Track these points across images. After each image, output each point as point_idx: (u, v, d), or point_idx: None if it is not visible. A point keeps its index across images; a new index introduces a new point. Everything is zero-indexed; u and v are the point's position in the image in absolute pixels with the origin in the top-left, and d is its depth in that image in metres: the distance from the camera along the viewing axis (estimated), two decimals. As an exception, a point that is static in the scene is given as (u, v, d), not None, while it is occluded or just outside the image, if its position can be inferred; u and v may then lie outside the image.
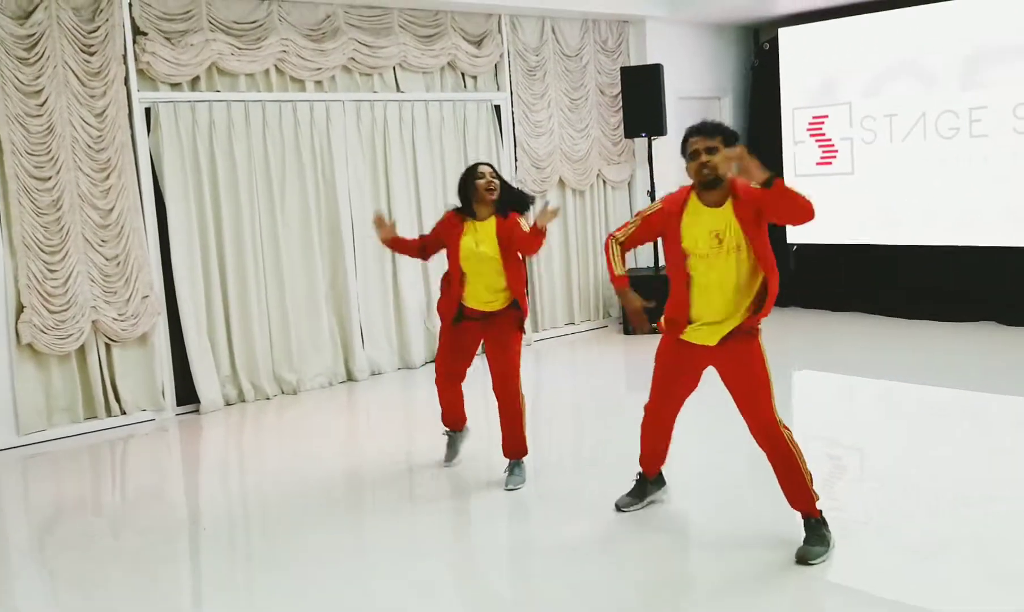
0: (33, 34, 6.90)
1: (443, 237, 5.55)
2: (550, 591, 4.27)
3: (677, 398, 4.77)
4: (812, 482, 4.43)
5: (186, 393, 7.75)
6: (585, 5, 9.72)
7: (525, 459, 5.66)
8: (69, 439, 7.17)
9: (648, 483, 5.08)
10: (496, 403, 5.60)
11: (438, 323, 8.91)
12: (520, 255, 5.45)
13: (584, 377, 8.83)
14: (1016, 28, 8.88)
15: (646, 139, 10.17)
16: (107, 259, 7.25)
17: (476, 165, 5.47)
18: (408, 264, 8.84)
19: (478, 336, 5.59)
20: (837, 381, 7.92)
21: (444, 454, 6.04)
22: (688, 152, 4.38)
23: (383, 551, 4.83)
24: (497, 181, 5.40)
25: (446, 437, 6.04)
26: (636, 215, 4.77)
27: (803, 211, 4.13)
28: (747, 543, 4.58)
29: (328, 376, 8.41)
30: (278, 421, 7.55)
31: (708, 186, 4.34)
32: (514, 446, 5.60)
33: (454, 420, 5.96)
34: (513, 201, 5.46)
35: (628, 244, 4.69)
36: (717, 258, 4.33)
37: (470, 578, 4.48)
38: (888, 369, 7.97)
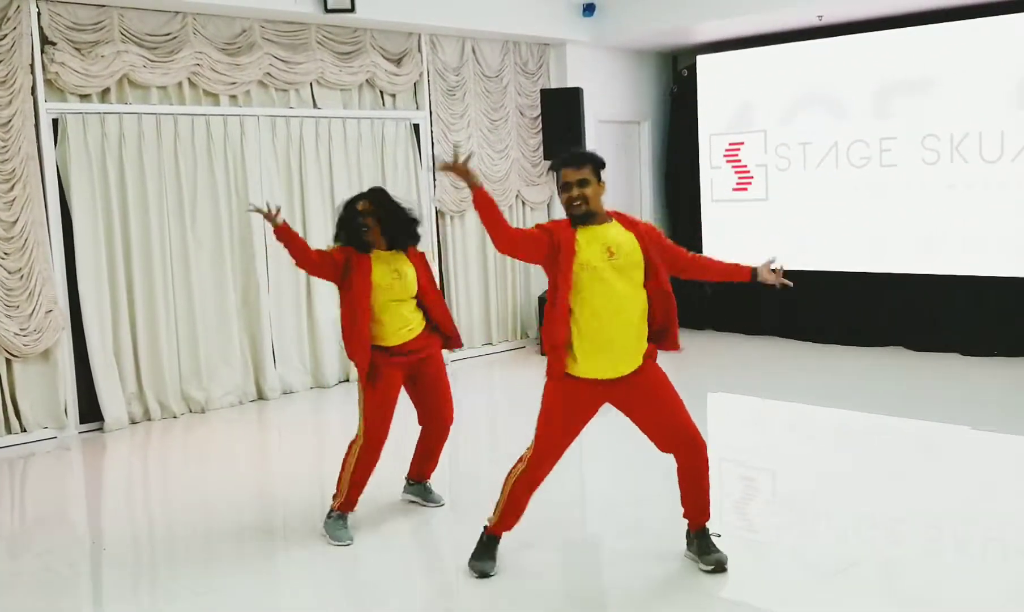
0: (-65, 39, 6.71)
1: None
2: (473, 603, 4.24)
3: (559, 451, 4.39)
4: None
5: (90, 410, 7.55)
6: (506, 26, 9.75)
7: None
8: (-34, 458, 6.95)
9: (495, 540, 4.60)
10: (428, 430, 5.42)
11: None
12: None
13: (503, 396, 8.82)
14: (924, 62, 9.15)
15: (565, 161, 10.20)
16: (9, 272, 7.04)
17: (356, 199, 5.13)
18: (323, 283, 8.70)
19: (409, 374, 5.23)
20: (749, 403, 8.02)
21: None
22: (559, 183, 4.24)
23: (292, 576, 4.75)
24: (374, 217, 5.00)
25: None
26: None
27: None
28: (647, 560, 4.59)
29: (238, 394, 8.26)
30: (185, 440, 7.39)
31: (583, 220, 4.20)
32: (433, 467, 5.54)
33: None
34: (402, 232, 5.10)
35: (516, 231, 4.26)
36: (613, 273, 4.15)
37: (377, 604, 4.41)
38: (799, 392, 8.11)
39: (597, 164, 4.25)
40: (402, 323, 5.05)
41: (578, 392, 4.26)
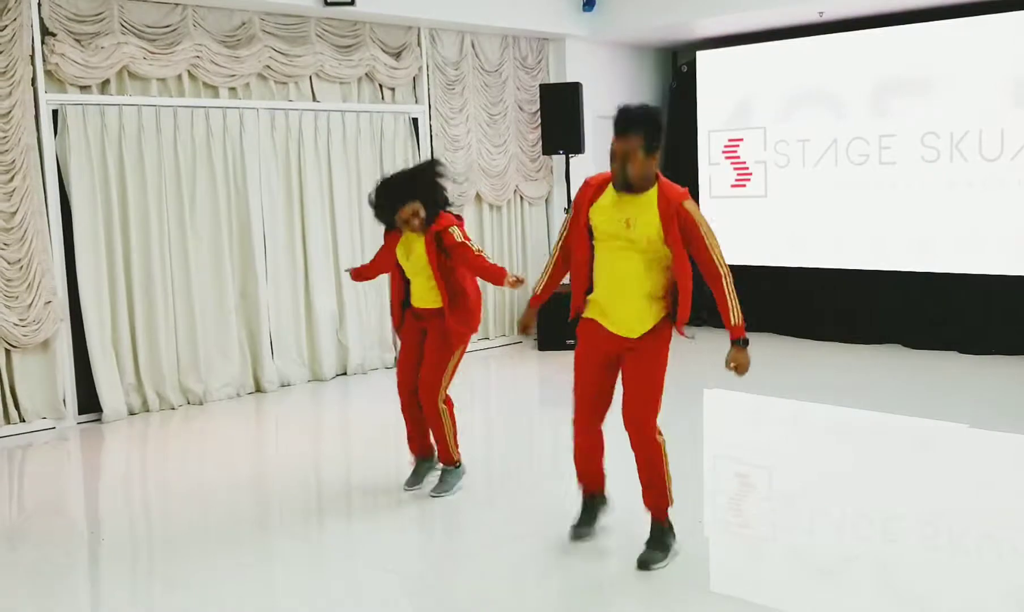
0: (-65, 30, 6.71)
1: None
2: (466, 598, 4.25)
3: (601, 393, 4.49)
4: (671, 489, 4.46)
5: (88, 401, 7.55)
6: (505, 21, 9.74)
7: (456, 468, 5.60)
8: (-35, 447, 6.96)
9: (596, 500, 4.82)
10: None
11: (350, 335, 8.93)
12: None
13: (498, 392, 8.83)
14: (924, 59, 9.15)
15: (564, 156, 10.24)
16: (9, 263, 7.04)
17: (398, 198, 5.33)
18: (321, 276, 8.76)
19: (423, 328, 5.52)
20: (746, 400, 8.02)
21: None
22: (610, 149, 4.25)
23: (288, 568, 4.76)
24: (417, 219, 5.27)
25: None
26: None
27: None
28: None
29: (236, 387, 8.27)
30: (183, 432, 7.40)
31: (621, 187, 4.24)
32: (439, 450, 5.60)
33: (417, 445, 5.75)
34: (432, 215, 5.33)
35: (560, 250, 4.55)
36: (623, 244, 4.23)
37: (376, 593, 4.43)
38: (796, 389, 8.12)
39: (649, 135, 4.15)
40: (417, 293, 5.43)
41: (592, 331, 4.41)
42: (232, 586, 4.48)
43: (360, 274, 5.86)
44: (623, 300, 4.29)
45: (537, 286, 4.71)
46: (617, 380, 4.49)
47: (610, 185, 4.31)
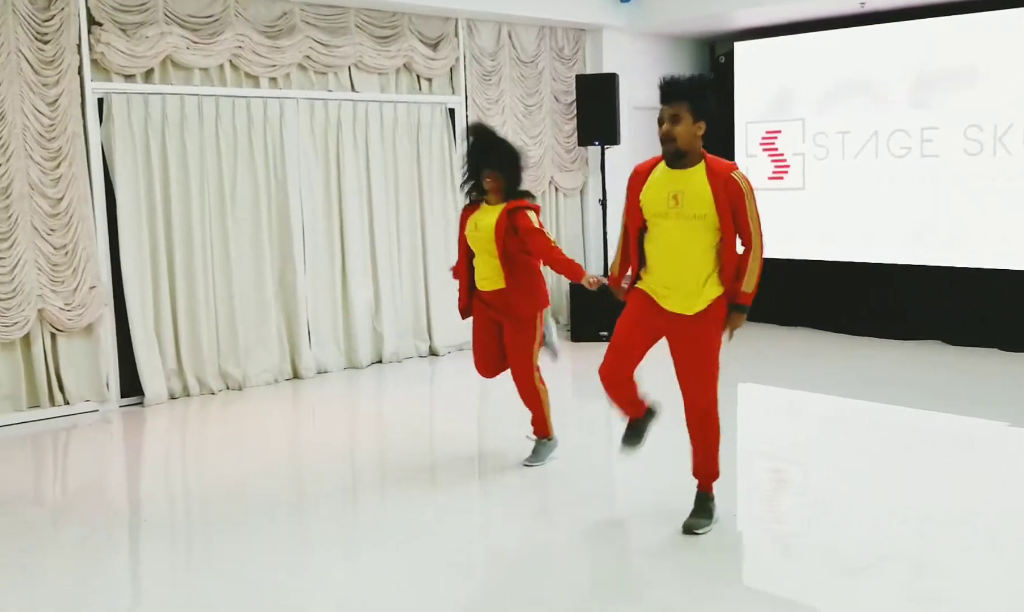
0: (-14, 20, 6.85)
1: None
2: (498, 583, 4.32)
3: (628, 355, 4.57)
4: (718, 462, 4.70)
5: (130, 385, 7.70)
6: (542, 12, 9.78)
7: (549, 441, 5.83)
8: (12, 428, 7.10)
9: (640, 421, 4.92)
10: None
11: (386, 324, 9.02)
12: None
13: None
14: (966, 51, 9.03)
15: (599, 148, 10.25)
16: (55, 248, 7.20)
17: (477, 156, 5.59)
18: (358, 265, 8.85)
19: (494, 317, 5.66)
20: (781, 395, 8.01)
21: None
22: (658, 116, 4.39)
23: (324, 551, 4.84)
24: (498, 184, 5.49)
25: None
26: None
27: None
28: (672, 548, 4.65)
29: (274, 373, 8.39)
30: (222, 416, 7.52)
31: (671, 158, 4.35)
32: (534, 424, 5.79)
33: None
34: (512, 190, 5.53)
35: (628, 233, 4.62)
36: (673, 221, 4.33)
37: (415, 576, 4.50)
38: (832, 385, 8.05)
39: (696, 100, 4.26)
40: (481, 272, 5.55)
41: (644, 302, 4.52)
42: (268, 567, 4.57)
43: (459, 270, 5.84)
44: (676, 277, 4.40)
45: (613, 268, 4.83)
46: (650, 348, 4.63)
47: (658, 166, 4.43)
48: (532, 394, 5.68)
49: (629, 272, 4.68)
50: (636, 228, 4.51)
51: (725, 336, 4.51)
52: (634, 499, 5.45)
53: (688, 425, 4.68)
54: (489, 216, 5.49)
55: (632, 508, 5.36)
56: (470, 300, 5.73)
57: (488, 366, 5.82)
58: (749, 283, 4.39)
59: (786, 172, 10.39)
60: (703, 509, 4.70)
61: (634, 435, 4.90)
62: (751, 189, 4.36)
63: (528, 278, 5.55)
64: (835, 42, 9.96)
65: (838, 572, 4.38)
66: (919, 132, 9.39)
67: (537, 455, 5.79)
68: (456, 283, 5.81)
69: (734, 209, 4.29)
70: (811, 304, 10.39)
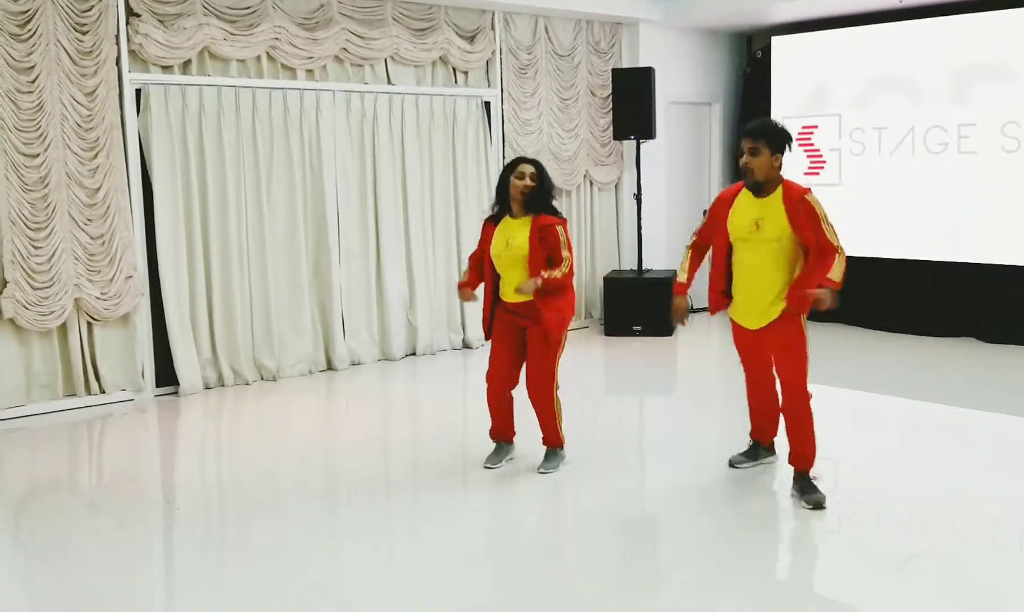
0: (27, 11, 6.90)
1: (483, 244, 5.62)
2: (527, 575, 4.32)
3: (760, 374, 5.33)
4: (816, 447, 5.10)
5: (166, 375, 7.76)
6: (579, 5, 9.75)
7: (561, 450, 5.78)
8: (48, 416, 7.18)
9: (761, 448, 5.66)
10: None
11: (420, 316, 9.04)
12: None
13: (564, 376, 8.86)
14: (1005, 47, 8.95)
15: (635, 142, 10.21)
16: (92, 238, 7.26)
17: (520, 161, 5.51)
18: (393, 257, 8.86)
19: (518, 330, 5.59)
20: (815, 392, 7.94)
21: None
22: (738, 149, 4.93)
23: (355, 541, 4.87)
24: (535, 184, 5.37)
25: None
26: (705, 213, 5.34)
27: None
28: (707, 544, 4.64)
29: (308, 364, 8.43)
30: (257, 407, 7.56)
31: (753, 188, 4.90)
32: (546, 435, 5.74)
33: (499, 429, 5.87)
34: (543, 202, 5.42)
35: (699, 239, 5.29)
36: (754, 244, 4.86)
37: (446, 565, 4.51)
38: (867, 381, 8.01)
39: (773, 137, 4.82)
40: (510, 286, 5.46)
41: (738, 331, 5.23)
42: (300, 557, 4.59)
43: (467, 285, 5.73)
44: (752, 295, 4.98)
45: (680, 276, 5.35)
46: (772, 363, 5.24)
47: (741, 193, 5.00)
48: (548, 405, 5.58)
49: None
50: (723, 246, 5.08)
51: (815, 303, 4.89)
52: (662, 494, 5.44)
53: (784, 414, 5.13)
54: (520, 232, 5.39)
55: (660, 503, 5.37)
56: (492, 322, 5.64)
57: (505, 378, 5.65)
58: (836, 273, 4.85)
59: (822, 167, 10.31)
60: (810, 485, 5.07)
61: (748, 456, 5.67)
62: (823, 211, 4.89)
63: (559, 290, 5.42)
64: (872, 37, 9.89)
65: (873, 569, 4.37)
66: (956, 129, 9.32)
67: (551, 462, 5.69)
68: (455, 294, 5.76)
69: (809, 224, 4.80)
70: (845, 301, 10.20)
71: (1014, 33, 8.89)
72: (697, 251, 5.36)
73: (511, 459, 5.88)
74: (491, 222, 5.57)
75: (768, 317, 4.97)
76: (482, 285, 5.67)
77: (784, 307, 4.92)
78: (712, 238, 5.20)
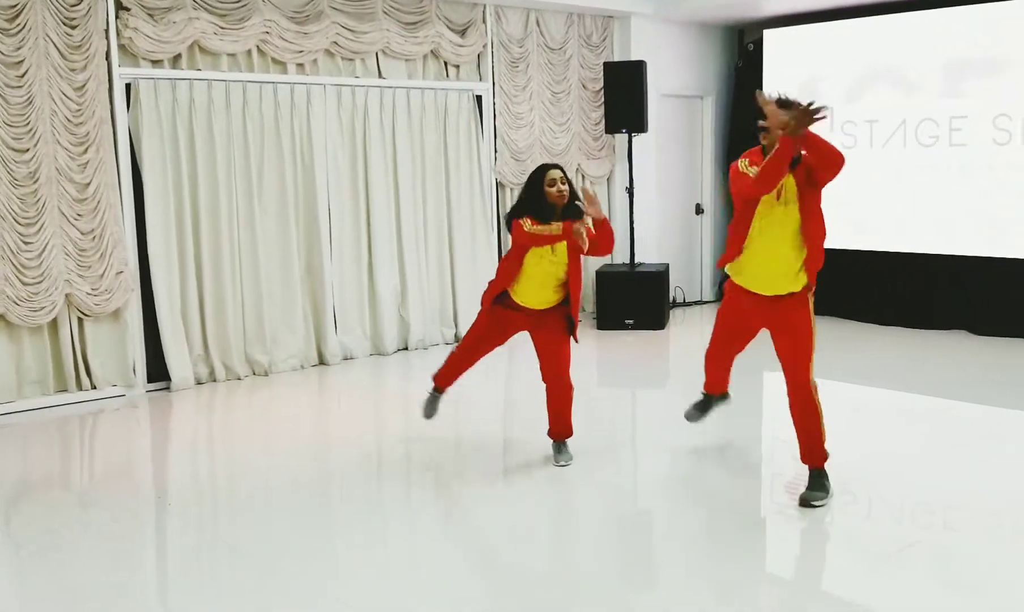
0: (16, 5, 6.86)
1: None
2: (521, 570, 4.33)
3: (732, 347, 5.40)
4: (825, 440, 4.98)
5: (157, 370, 7.74)
6: (571, -1, 9.75)
7: (568, 441, 5.82)
8: (39, 412, 7.16)
9: (713, 399, 5.77)
10: (546, 390, 5.71)
11: (412, 311, 9.03)
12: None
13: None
14: (996, 40, 8.96)
15: (627, 135, 10.20)
16: (82, 233, 7.23)
17: (546, 167, 5.47)
18: (384, 251, 8.85)
19: (520, 328, 5.66)
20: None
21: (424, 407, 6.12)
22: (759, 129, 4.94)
23: (348, 536, 4.86)
24: (567, 187, 5.40)
25: (429, 395, 6.10)
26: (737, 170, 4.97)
27: (835, 157, 4.73)
28: (701, 536, 4.64)
29: (300, 359, 8.41)
30: (249, 402, 7.55)
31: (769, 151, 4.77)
32: (560, 428, 5.77)
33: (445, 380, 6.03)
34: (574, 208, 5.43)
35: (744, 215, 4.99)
36: (774, 211, 4.81)
37: (435, 562, 4.52)
38: (859, 374, 8.03)
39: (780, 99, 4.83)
40: (534, 291, 5.51)
41: (739, 298, 5.12)
42: (294, 553, 4.58)
43: (494, 293, 5.66)
44: (773, 262, 4.88)
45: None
46: (751, 340, 5.32)
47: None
48: (568, 395, 5.67)
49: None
50: (749, 214, 4.91)
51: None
52: (655, 488, 5.45)
53: (791, 408, 5.03)
54: (559, 244, 5.40)
55: (653, 497, 5.37)
56: (493, 309, 5.65)
57: (469, 366, 5.86)
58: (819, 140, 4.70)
59: (814, 161, 10.30)
60: (818, 484, 4.96)
61: (704, 408, 5.77)
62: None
63: (580, 287, 5.54)
64: (864, 30, 9.89)
65: (865, 560, 4.38)
66: (948, 121, 9.34)
67: (566, 453, 5.73)
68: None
69: (809, 171, 4.75)
70: (838, 293, 10.33)
71: (1006, 25, 8.90)
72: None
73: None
74: (529, 219, 5.35)
75: (788, 287, 4.91)
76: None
77: (805, 283, 4.91)
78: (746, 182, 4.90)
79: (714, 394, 5.75)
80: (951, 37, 9.25)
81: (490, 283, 5.70)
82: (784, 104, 4.76)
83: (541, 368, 5.67)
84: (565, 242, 5.34)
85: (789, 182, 4.78)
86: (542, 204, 5.37)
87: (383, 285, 8.88)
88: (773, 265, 4.88)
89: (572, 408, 5.72)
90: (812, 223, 4.82)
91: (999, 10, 8.95)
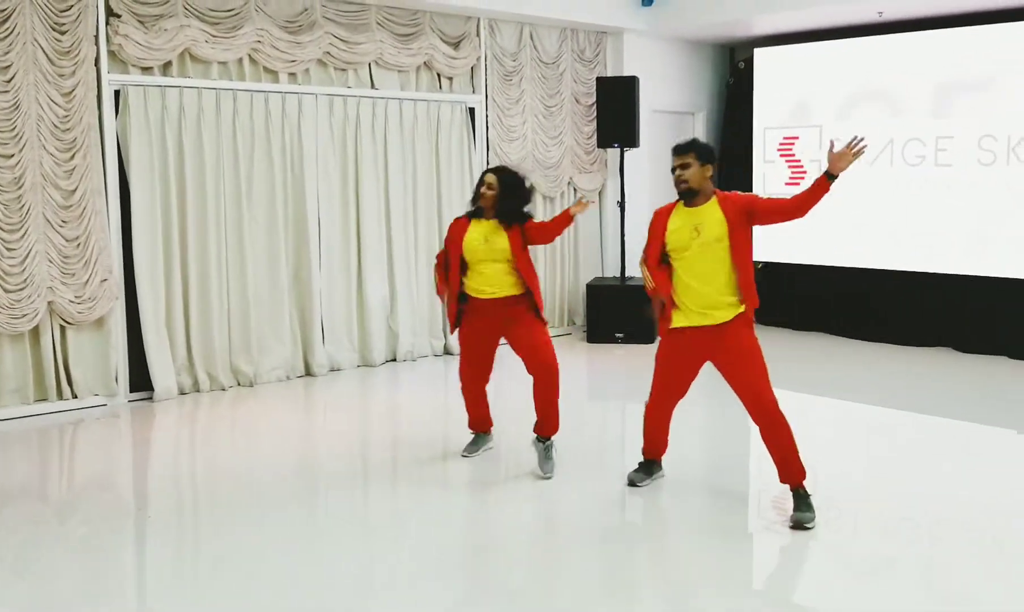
0: (4, 9, 6.81)
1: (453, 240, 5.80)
2: (504, 579, 4.29)
3: (674, 392, 5.28)
4: (799, 454, 4.97)
5: (140, 380, 7.67)
6: (565, 13, 9.73)
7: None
8: (18, 420, 7.08)
9: (655, 465, 5.58)
10: (533, 382, 5.75)
11: (401, 322, 8.99)
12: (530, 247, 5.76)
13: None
14: (983, 62, 9.03)
15: (619, 150, 10.19)
16: (67, 240, 7.17)
17: (487, 170, 5.83)
18: (374, 262, 8.81)
19: (495, 327, 5.76)
20: (792, 399, 7.90)
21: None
22: (671, 168, 5.08)
23: (333, 547, 4.80)
24: (493, 191, 5.65)
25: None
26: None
27: (803, 212, 4.99)
28: (686, 552, 4.61)
29: (286, 370, 8.35)
30: (232, 413, 7.48)
31: (685, 196, 5.04)
32: (549, 422, 5.79)
33: (478, 420, 6.14)
34: (513, 210, 5.69)
35: (648, 258, 5.20)
36: (698, 250, 4.92)
37: (419, 572, 4.46)
38: (843, 390, 8.07)
39: (700, 151, 5.04)
40: (488, 283, 5.67)
41: (677, 339, 5.10)
42: (276, 564, 4.54)
43: (444, 284, 5.91)
44: (705, 295, 4.94)
45: (647, 283, 5.22)
46: (694, 380, 5.23)
47: (675, 208, 5.10)
48: (556, 377, 5.72)
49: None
50: (666, 270, 5.12)
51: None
52: (642, 502, 5.40)
53: (760, 433, 5.01)
54: (497, 234, 5.65)
55: (640, 511, 5.34)
56: (459, 317, 5.83)
57: (481, 376, 5.94)
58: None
59: (803, 178, 10.34)
60: (804, 504, 4.91)
61: (646, 472, 5.56)
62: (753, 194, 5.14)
63: (535, 277, 5.74)
64: (853, 50, 9.96)
65: (850, 575, 4.40)
66: (934, 141, 9.42)
67: (549, 461, 5.74)
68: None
69: (753, 212, 4.94)
70: (824, 309, 10.44)
71: (992, 48, 8.99)
72: (653, 263, 5.23)
73: (489, 449, 6.15)
74: (462, 219, 5.81)
75: (725, 315, 4.95)
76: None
77: (742, 311, 4.95)
78: (659, 253, 5.21)
79: (655, 460, 5.58)
80: (938, 59, 9.31)
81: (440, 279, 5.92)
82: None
83: (525, 362, 5.72)
84: (506, 239, 5.62)
85: (713, 222, 4.92)
86: (479, 205, 5.74)
87: (372, 295, 8.84)
88: (707, 297, 4.95)
89: (559, 398, 5.74)
90: (742, 260, 4.94)
91: (986, 33, 9.03)
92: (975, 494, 5.44)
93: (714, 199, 5.02)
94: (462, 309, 5.80)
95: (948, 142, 9.29)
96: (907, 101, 9.55)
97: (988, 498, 5.38)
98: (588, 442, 6.63)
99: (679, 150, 5.08)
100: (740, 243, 4.92)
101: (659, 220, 5.17)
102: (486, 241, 5.64)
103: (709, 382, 5.36)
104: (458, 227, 5.78)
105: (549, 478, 5.64)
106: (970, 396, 7.80)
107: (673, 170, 5.06)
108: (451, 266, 5.76)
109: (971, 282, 9.27)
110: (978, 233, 9.14)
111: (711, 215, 4.95)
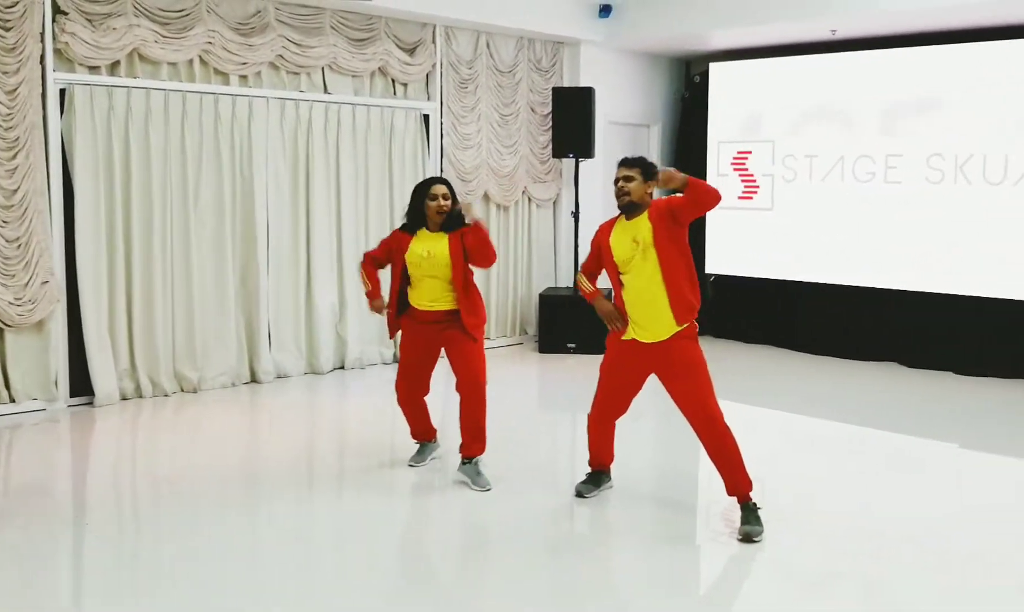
0: (-54, 3, 6.68)
1: (392, 252, 5.78)
2: (455, 591, 4.24)
3: (618, 403, 5.31)
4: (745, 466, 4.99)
5: (81, 384, 7.51)
6: (521, 23, 9.71)
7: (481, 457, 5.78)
8: (-45, 424, 6.93)
9: (602, 475, 5.56)
10: (459, 402, 5.70)
11: (350, 329, 8.90)
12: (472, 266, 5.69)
13: (498, 392, 8.77)
14: (933, 82, 9.16)
15: (574, 160, 10.20)
16: (7, 241, 7.01)
17: (431, 182, 5.72)
18: (324, 268, 8.72)
19: (434, 339, 5.73)
20: (741, 411, 7.93)
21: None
22: (615, 179, 5.14)
23: (274, 556, 4.75)
24: (449, 202, 5.63)
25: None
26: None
27: (710, 195, 4.91)
28: (633, 558, 4.59)
29: (231, 376, 8.23)
30: (175, 419, 7.36)
31: (626, 209, 5.12)
32: (475, 442, 5.73)
33: (421, 431, 6.12)
34: (459, 216, 5.65)
35: (586, 269, 5.37)
36: (639, 262, 5.00)
37: (364, 580, 4.40)
38: (792, 402, 8.14)
39: (646, 168, 5.13)
40: (427, 296, 5.67)
41: (624, 348, 5.16)
42: (213, 573, 4.46)
43: (372, 262, 5.91)
44: (649, 308, 5.00)
45: (585, 286, 5.38)
46: (638, 393, 5.27)
47: (616, 222, 5.20)
48: (483, 404, 5.66)
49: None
50: (614, 276, 5.18)
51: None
52: (589, 513, 5.39)
53: (705, 447, 5.04)
54: (439, 243, 5.61)
55: (587, 522, 5.33)
56: (398, 324, 5.85)
57: (419, 388, 5.92)
58: (701, 185, 4.95)
59: (755, 192, 10.42)
60: (752, 516, 4.92)
61: (594, 482, 5.53)
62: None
63: (477, 295, 5.69)
64: (807, 67, 10.05)
65: (794, 588, 4.43)
66: (884, 159, 9.53)
67: (482, 476, 5.67)
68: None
69: (675, 212, 4.94)
70: (774, 322, 10.51)
71: (942, 69, 9.12)
72: (589, 274, 5.42)
73: (436, 458, 6.13)
74: (404, 231, 5.75)
75: (670, 330, 4.99)
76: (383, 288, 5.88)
77: (687, 326, 5.01)
78: (599, 266, 5.33)
79: (603, 470, 5.57)
80: (889, 78, 9.42)
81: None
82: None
83: (456, 381, 5.68)
84: (446, 247, 5.57)
85: (644, 231, 4.99)
86: (422, 217, 5.66)
87: (321, 303, 8.74)
88: (650, 312, 5.01)
89: (486, 417, 5.68)
90: (672, 267, 4.96)
91: (935, 53, 9.16)
92: (917, 508, 5.50)
93: (646, 213, 5.10)
94: (400, 320, 5.80)
95: (897, 160, 9.40)
96: (858, 118, 9.65)
97: (931, 511, 5.45)
98: (537, 452, 6.60)
99: (627, 163, 5.16)
100: (665, 245, 4.95)
101: (602, 234, 5.26)
102: (429, 255, 5.60)
103: (659, 394, 5.35)
104: (402, 238, 5.73)
105: (489, 490, 5.58)
106: (914, 411, 7.90)
107: (616, 181, 5.13)
108: (393, 275, 5.74)
109: (919, 298, 9.37)
110: (926, 250, 9.25)
111: (644, 224, 5.04)
